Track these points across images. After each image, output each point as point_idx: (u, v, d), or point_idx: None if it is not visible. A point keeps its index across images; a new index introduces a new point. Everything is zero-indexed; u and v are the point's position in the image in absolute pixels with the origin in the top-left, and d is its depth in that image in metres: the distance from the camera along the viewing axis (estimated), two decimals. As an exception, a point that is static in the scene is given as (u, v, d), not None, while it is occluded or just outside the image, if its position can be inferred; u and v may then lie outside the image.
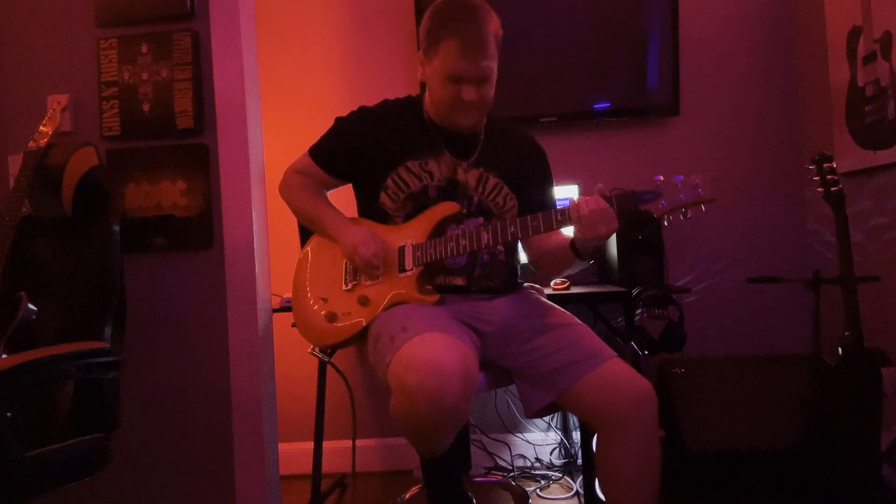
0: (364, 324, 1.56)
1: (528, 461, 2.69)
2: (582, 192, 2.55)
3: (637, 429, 1.42)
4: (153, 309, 2.04)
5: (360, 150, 1.66)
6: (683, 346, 2.09)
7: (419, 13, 2.64)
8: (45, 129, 1.82)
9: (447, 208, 1.60)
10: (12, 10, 2.11)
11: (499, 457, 2.69)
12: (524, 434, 2.71)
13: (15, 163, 2.04)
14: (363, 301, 1.59)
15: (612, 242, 2.33)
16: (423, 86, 1.67)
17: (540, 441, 2.71)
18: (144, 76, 2.05)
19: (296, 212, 1.77)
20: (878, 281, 1.99)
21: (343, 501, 2.45)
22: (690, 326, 2.15)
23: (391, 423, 1.42)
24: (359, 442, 2.67)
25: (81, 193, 1.77)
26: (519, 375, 1.59)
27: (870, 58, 2.16)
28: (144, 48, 2.05)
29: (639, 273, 2.28)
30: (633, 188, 1.42)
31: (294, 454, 2.62)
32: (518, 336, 1.57)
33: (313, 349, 2.11)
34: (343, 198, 1.76)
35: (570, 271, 1.62)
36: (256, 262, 2.03)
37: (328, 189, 1.76)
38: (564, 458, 2.67)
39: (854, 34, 2.24)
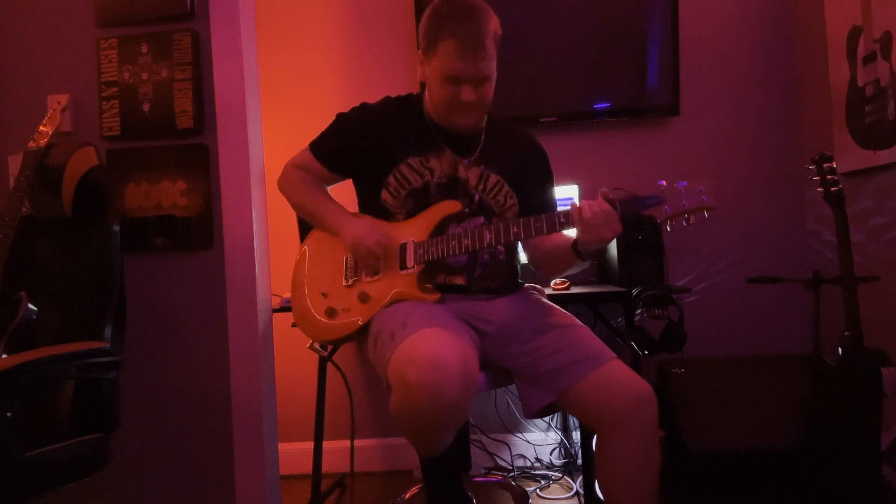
0: (364, 321, 1.56)
1: (528, 461, 2.69)
2: (582, 192, 2.55)
3: (637, 429, 1.42)
4: (153, 309, 2.04)
5: (361, 147, 1.66)
6: (683, 346, 2.09)
7: (419, 13, 2.64)
8: (45, 129, 1.82)
9: (449, 206, 1.60)
10: (12, 10, 2.11)
11: (499, 457, 2.69)
12: (524, 434, 2.71)
13: (15, 163, 2.04)
14: (363, 297, 1.59)
15: (612, 242, 2.33)
16: (422, 85, 1.67)
17: (540, 441, 2.71)
18: (144, 76, 2.05)
19: (295, 206, 1.77)
20: (878, 281, 1.99)
21: (343, 501, 2.45)
22: (690, 326, 2.15)
23: (391, 423, 1.42)
24: (359, 442, 2.67)
25: (81, 193, 1.77)
26: (519, 375, 1.59)
27: (870, 58, 2.16)
28: (144, 48, 2.05)
29: (639, 273, 2.28)
30: (637, 193, 1.42)
31: (294, 454, 2.62)
32: (518, 336, 1.57)
33: (312, 344, 2.11)
34: (344, 194, 1.76)
35: (570, 271, 1.62)
36: (256, 262, 2.03)
37: (328, 185, 1.76)
38: (564, 458, 2.67)
39: (854, 34, 2.24)
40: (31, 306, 1.65)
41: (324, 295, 1.65)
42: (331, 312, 1.62)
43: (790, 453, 1.97)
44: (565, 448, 2.68)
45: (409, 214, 1.64)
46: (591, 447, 1.68)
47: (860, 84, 2.23)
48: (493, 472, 2.62)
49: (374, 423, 2.74)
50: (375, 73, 2.76)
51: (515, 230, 1.50)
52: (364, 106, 1.71)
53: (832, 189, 1.81)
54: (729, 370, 2.16)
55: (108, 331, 1.68)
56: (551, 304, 1.67)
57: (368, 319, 1.56)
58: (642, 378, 1.47)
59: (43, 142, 1.78)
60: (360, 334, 1.59)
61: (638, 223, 2.27)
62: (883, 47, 2.10)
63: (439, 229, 1.60)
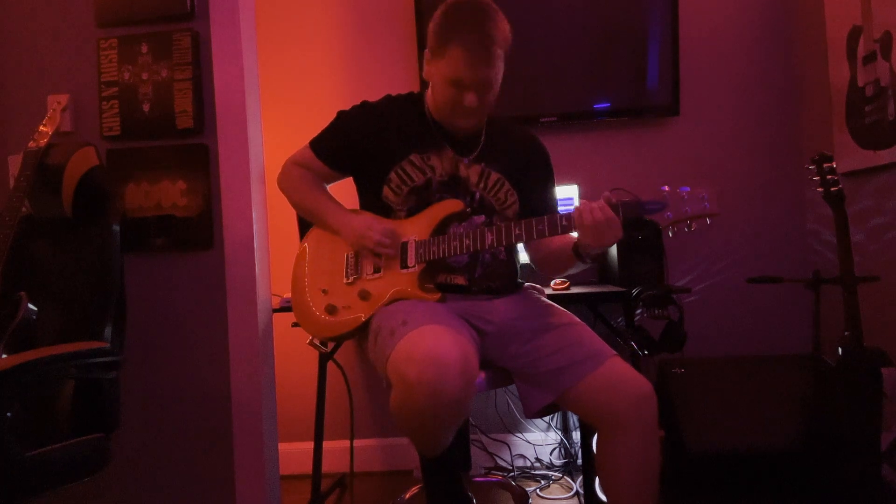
0: (364, 318, 1.56)
1: (528, 461, 2.69)
2: (582, 193, 2.55)
3: (637, 429, 1.42)
4: (153, 309, 2.04)
5: (362, 145, 1.66)
6: (683, 346, 2.09)
7: (419, 13, 2.65)
8: (45, 129, 1.82)
9: (451, 206, 1.61)
10: (12, 10, 2.11)
11: (499, 457, 2.69)
12: (524, 434, 2.71)
13: (15, 163, 2.04)
14: (364, 295, 1.59)
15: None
16: (423, 81, 1.67)
17: (540, 441, 2.71)
18: (144, 76, 2.05)
19: (295, 204, 1.77)
20: (878, 281, 1.99)
21: (343, 501, 2.45)
22: (690, 326, 2.15)
23: (391, 423, 1.42)
24: (359, 442, 2.67)
25: (81, 193, 1.77)
26: (519, 375, 1.59)
27: (870, 58, 2.16)
28: (144, 48, 2.05)
29: (639, 273, 2.28)
30: (640, 198, 1.42)
31: (294, 454, 2.62)
32: (518, 336, 1.57)
33: (312, 340, 2.11)
34: (345, 192, 1.76)
35: (571, 272, 1.63)
36: (256, 262, 2.03)
37: (328, 182, 1.76)
38: (564, 458, 2.67)
39: (854, 34, 2.24)
40: (31, 306, 1.65)
41: (324, 292, 1.65)
42: (331, 309, 1.62)
43: (790, 453, 1.97)
44: (565, 448, 2.68)
45: (411, 211, 1.64)
46: (592, 447, 1.68)
47: (860, 84, 2.23)
48: (493, 472, 2.62)
49: (374, 423, 2.74)
50: (375, 73, 2.76)
51: (517, 232, 1.50)
52: (365, 104, 1.71)
53: (832, 189, 1.81)
54: (729, 370, 2.16)
55: (108, 331, 1.68)
56: (551, 303, 1.68)
57: (369, 317, 1.56)
58: (642, 376, 1.47)
59: (43, 142, 1.78)
60: (361, 331, 1.58)
61: (638, 223, 2.27)
62: (883, 47, 2.10)
63: (441, 228, 1.60)
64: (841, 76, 2.33)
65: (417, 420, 1.33)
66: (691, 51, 2.67)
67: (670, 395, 2.09)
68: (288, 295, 1.94)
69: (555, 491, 2.42)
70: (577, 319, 1.61)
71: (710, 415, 2.06)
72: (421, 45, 2.65)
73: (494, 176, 1.66)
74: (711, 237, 2.65)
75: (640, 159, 2.71)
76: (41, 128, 1.82)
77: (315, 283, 1.68)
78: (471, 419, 2.61)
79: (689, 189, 1.40)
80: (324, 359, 2.32)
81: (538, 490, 2.41)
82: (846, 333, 1.78)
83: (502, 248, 1.66)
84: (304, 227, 1.92)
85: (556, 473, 2.55)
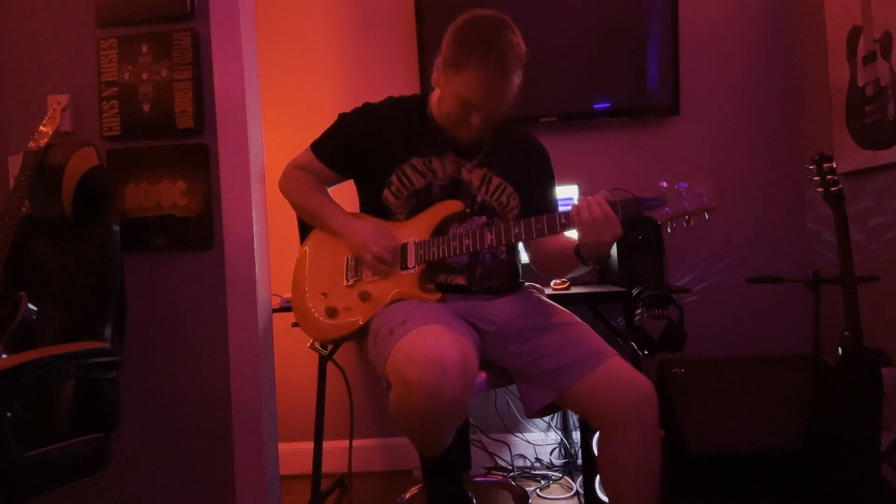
0: (362, 322, 1.56)
1: (528, 461, 2.69)
2: (582, 192, 2.55)
3: (638, 429, 1.42)
4: (153, 309, 2.04)
5: (363, 147, 1.66)
6: (683, 346, 2.09)
7: (419, 13, 2.65)
8: (45, 129, 1.82)
9: (450, 206, 1.60)
10: (12, 10, 2.11)
11: (499, 457, 2.69)
12: (524, 434, 2.71)
13: (15, 163, 2.03)
14: (364, 297, 1.59)
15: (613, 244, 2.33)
16: (423, 83, 1.67)
17: (540, 441, 2.71)
18: (144, 76, 2.05)
19: (297, 207, 1.77)
20: (878, 281, 1.99)
21: (343, 501, 2.45)
22: (690, 326, 2.15)
23: (391, 423, 1.42)
24: (359, 442, 2.67)
25: (81, 193, 1.77)
26: (519, 375, 1.59)
27: (870, 58, 2.16)
28: (144, 48, 2.05)
29: (639, 273, 2.28)
30: (637, 194, 1.42)
31: (294, 454, 2.62)
32: (519, 336, 1.57)
33: (312, 343, 2.11)
34: (345, 194, 1.76)
35: (572, 274, 1.62)
36: (256, 262, 2.03)
37: (330, 185, 1.76)
38: (564, 458, 2.67)
39: (854, 34, 2.24)
40: (31, 306, 1.65)
41: (324, 295, 1.65)
42: (331, 312, 1.62)
43: (790, 453, 1.97)
44: (565, 448, 2.68)
45: (411, 214, 1.64)
46: (592, 447, 1.68)
47: (860, 84, 2.23)
48: (493, 472, 2.62)
49: (373, 423, 2.74)
50: (375, 74, 2.76)
51: (516, 231, 1.50)
52: (366, 105, 1.70)
53: (832, 189, 1.81)
54: (729, 370, 2.16)
55: (108, 331, 1.68)
56: (552, 303, 1.67)
57: (369, 319, 1.56)
58: (643, 376, 1.47)
59: (43, 142, 1.78)
60: (361, 334, 1.58)
61: (638, 223, 2.27)
62: (883, 47, 2.10)
63: (440, 229, 1.60)
64: (841, 76, 2.33)
65: (417, 420, 1.33)
66: (691, 51, 2.67)
67: (670, 395, 2.09)
68: (288, 295, 1.94)
69: (555, 491, 2.42)
70: (578, 319, 1.61)
71: (710, 415, 2.06)
72: (421, 46, 2.65)
73: (496, 180, 1.66)
74: (711, 237, 2.65)
75: (640, 159, 2.71)
76: (41, 128, 1.82)
77: (315, 285, 1.68)
78: (471, 419, 2.61)
79: (686, 185, 1.40)
80: (324, 359, 2.32)
81: (538, 490, 2.41)
82: (846, 333, 1.78)
83: (503, 248, 1.66)
84: (305, 227, 1.92)
85: (556, 473, 2.55)
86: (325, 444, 2.35)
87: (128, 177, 2.06)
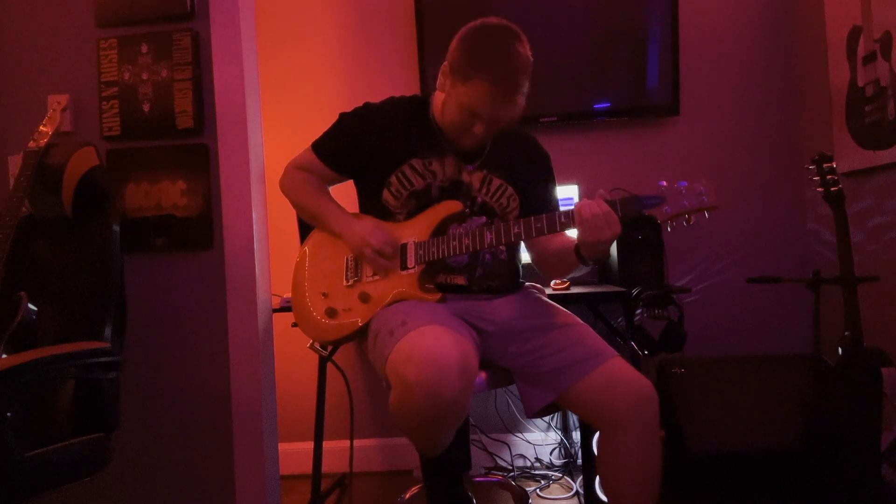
0: (362, 323, 1.56)
1: (528, 461, 2.69)
2: (582, 192, 2.55)
3: (638, 429, 1.42)
4: (153, 309, 2.04)
5: (364, 147, 1.66)
6: (683, 346, 2.09)
7: (419, 13, 2.65)
8: (45, 129, 1.82)
9: (450, 207, 1.60)
10: (12, 10, 2.11)
11: (499, 457, 2.69)
12: (524, 434, 2.71)
13: (15, 163, 2.03)
14: (364, 298, 1.59)
15: (613, 243, 2.33)
16: (423, 82, 1.67)
17: (540, 441, 2.71)
18: (144, 76, 2.05)
19: (297, 207, 1.77)
20: (878, 281, 1.99)
21: (343, 501, 2.45)
22: (690, 326, 2.15)
23: (391, 423, 1.42)
24: (359, 442, 2.67)
25: (81, 193, 1.77)
26: (519, 375, 1.59)
27: (870, 58, 2.16)
28: (144, 48, 2.05)
29: (639, 273, 2.29)
30: (637, 193, 1.42)
31: (294, 454, 2.62)
32: (519, 336, 1.57)
33: (312, 344, 2.11)
34: (345, 194, 1.76)
35: (573, 274, 1.62)
36: (256, 262, 2.03)
37: (330, 184, 1.76)
38: (564, 458, 2.67)
39: (854, 34, 2.24)
40: (31, 306, 1.65)
41: (324, 295, 1.65)
42: (331, 313, 1.62)
43: (790, 453, 1.97)
44: (565, 448, 2.68)
45: (411, 215, 1.64)
46: (592, 447, 1.68)
47: (860, 84, 2.23)
48: (493, 472, 2.62)
49: (374, 423, 2.74)
50: (375, 74, 2.76)
51: (516, 230, 1.50)
52: (367, 105, 1.70)
53: (832, 189, 1.81)
54: (729, 370, 2.16)
55: (108, 331, 1.68)
56: (552, 303, 1.67)
57: (368, 320, 1.56)
58: (644, 376, 1.47)
59: (43, 142, 1.78)
60: (361, 334, 1.58)
61: (638, 223, 2.27)
62: (883, 47, 2.10)
63: (440, 229, 1.60)
64: (841, 76, 2.33)
65: (417, 420, 1.33)
66: (691, 51, 2.67)
67: (670, 395, 2.09)
68: (288, 295, 1.94)
69: (555, 491, 2.42)
70: (579, 320, 1.61)
71: (710, 415, 2.06)
72: (421, 46, 2.65)
73: (497, 181, 1.66)
74: (711, 237, 2.65)
75: (640, 159, 2.71)
76: (41, 128, 1.82)
77: (315, 286, 1.68)
78: (471, 419, 2.61)
79: (686, 184, 1.40)
80: (323, 359, 2.32)
81: (538, 490, 2.41)
82: (846, 333, 1.78)
83: (503, 248, 1.66)
84: (305, 227, 1.92)
85: (556, 473, 2.55)
86: (325, 444, 2.35)
87: (128, 177, 2.06)
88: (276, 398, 2.16)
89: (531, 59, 1.52)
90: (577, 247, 1.47)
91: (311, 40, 2.78)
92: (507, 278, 1.69)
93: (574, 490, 2.39)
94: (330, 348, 2.22)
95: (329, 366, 2.35)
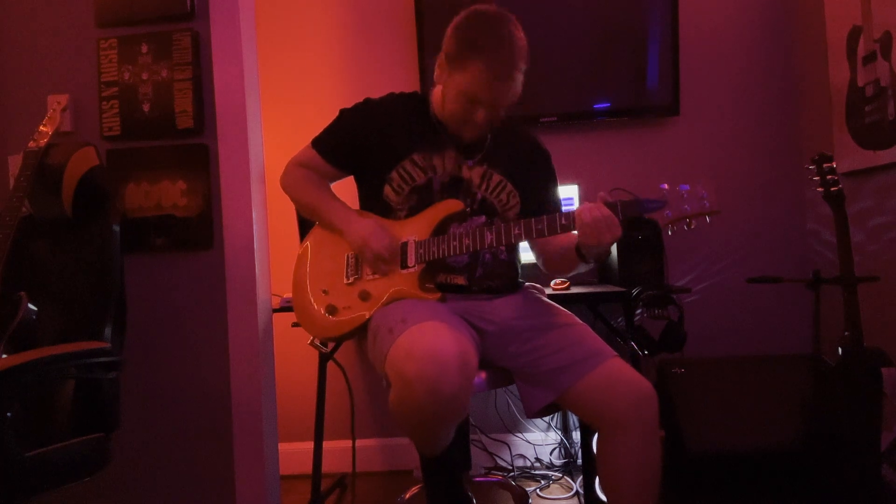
0: (365, 318, 1.56)
1: (528, 461, 2.69)
2: (582, 193, 2.55)
3: (637, 429, 1.42)
4: (153, 309, 2.04)
5: (364, 142, 1.66)
6: (683, 346, 2.09)
7: (419, 13, 2.65)
8: (45, 129, 1.82)
9: (451, 206, 1.60)
10: (12, 10, 2.11)
11: (499, 457, 2.69)
12: (524, 434, 2.71)
13: (15, 163, 2.04)
14: (364, 296, 1.59)
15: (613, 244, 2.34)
16: (423, 81, 1.67)
17: (540, 441, 2.71)
18: (144, 76, 2.05)
19: (298, 204, 1.77)
20: (878, 281, 1.99)
21: (343, 501, 2.45)
22: (690, 326, 2.15)
23: (391, 423, 1.42)
24: (359, 442, 2.67)
25: (81, 193, 1.77)
26: (519, 375, 1.59)
27: (870, 58, 2.16)
28: (144, 48, 2.05)
29: (639, 273, 2.29)
30: (639, 196, 1.41)
31: (294, 454, 2.62)
32: (519, 336, 1.57)
33: (313, 341, 2.11)
34: (346, 190, 1.76)
35: (576, 272, 1.62)
36: (256, 262, 2.03)
37: (331, 181, 1.76)
38: (564, 458, 2.67)
39: (854, 34, 2.24)
40: (31, 306, 1.65)
41: (325, 292, 1.65)
42: (332, 310, 1.62)
43: (790, 453, 1.97)
44: (565, 448, 2.68)
45: (412, 211, 1.64)
46: (592, 447, 1.68)
47: (860, 84, 2.23)
48: (493, 472, 2.62)
49: (374, 423, 2.74)
50: (375, 73, 2.76)
51: (517, 231, 1.50)
52: (367, 101, 1.70)
53: (832, 189, 1.81)
54: (729, 370, 2.16)
55: (108, 331, 1.68)
56: (552, 303, 1.67)
57: (370, 316, 1.56)
58: (643, 376, 1.47)
59: (43, 142, 1.78)
60: (361, 332, 1.58)
61: (638, 224, 2.27)
62: (883, 47, 2.10)
63: (440, 229, 1.60)
64: (841, 76, 2.33)
65: (416, 417, 1.33)
66: (691, 51, 2.67)
67: (670, 395, 2.09)
68: (288, 295, 1.94)
69: (555, 491, 2.42)
70: (578, 320, 1.61)
71: (710, 415, 2.06)
72: (421, 46, 2.65)
73: (497, 178, 1.66)
74: (711, 237, 2.65)
75: (640, 159, 2.71)
76: (41, 128, 1.82)
77: (316, 283, 1.68)
78: (471, 419, 2.61)
79: (688, 187, 1.39)
80: (324, 359, 2.32)
81: (538, 490, 2.41)
82: (846, 333, 1.78)
83: (503, 248, 1.66)
84: (305, 227, 1.92)
85: (556, 473, 2.55)
86: (326, 444, 2.35)
87: (128, 177, 2.06)
88: (276, 398, 2.16)
89: (525, 41, 1.53)
90: (578, 246, 1.48)
91: (311, 40, 2.78)
92: (507, 278, 1.69)
93: (574, 490, 2.39)
94: (331, 345, 2.22)
95: (329, 365, 2.35)
